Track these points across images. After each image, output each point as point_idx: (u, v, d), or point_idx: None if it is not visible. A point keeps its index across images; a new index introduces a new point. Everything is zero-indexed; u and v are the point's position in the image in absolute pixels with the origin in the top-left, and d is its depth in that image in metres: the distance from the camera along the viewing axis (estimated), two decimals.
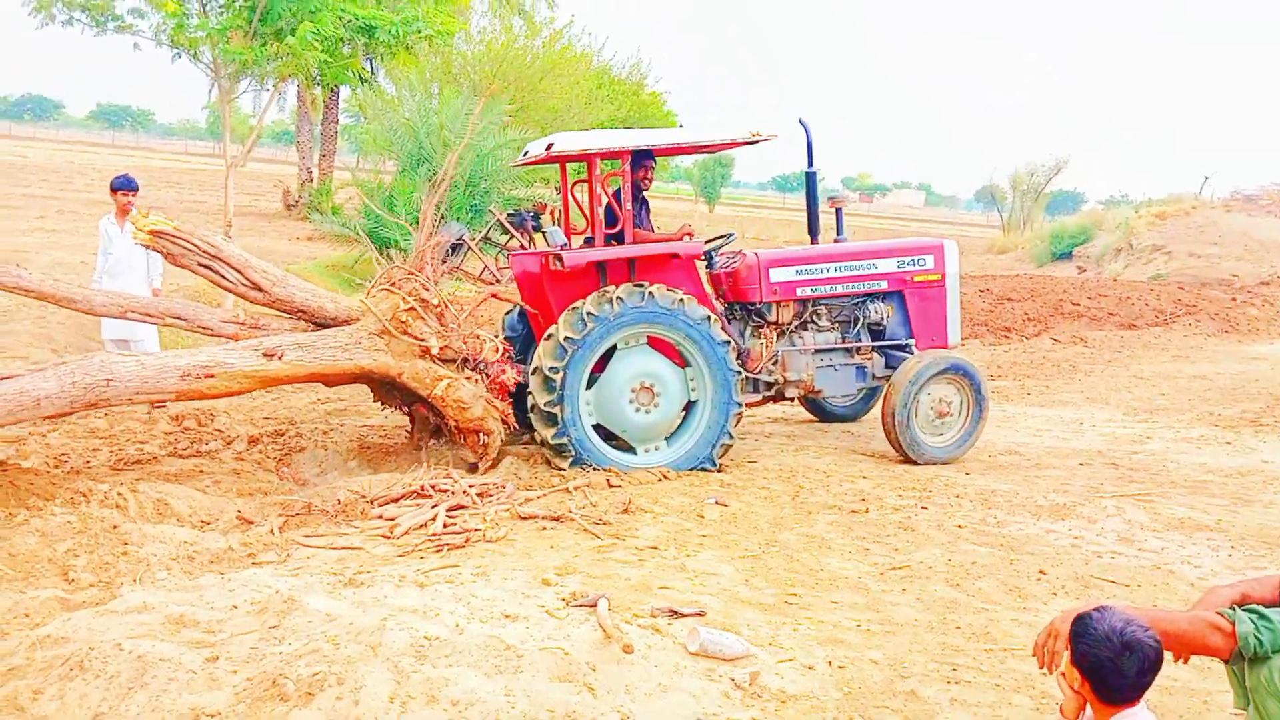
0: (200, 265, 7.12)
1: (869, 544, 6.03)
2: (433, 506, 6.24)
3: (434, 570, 5.15)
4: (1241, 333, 16.71)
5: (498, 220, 21.01)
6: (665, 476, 7.37)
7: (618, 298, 7.37)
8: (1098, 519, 6.74)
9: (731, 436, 7.69)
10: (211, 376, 6.66)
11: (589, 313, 7.35)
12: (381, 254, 17.43)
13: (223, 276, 7.20)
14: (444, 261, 7.99)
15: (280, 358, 6.88)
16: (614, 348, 7.57)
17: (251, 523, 6.17)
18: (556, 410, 7.31)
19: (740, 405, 7.70)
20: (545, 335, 7.48)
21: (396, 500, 6.48)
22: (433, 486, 6.63)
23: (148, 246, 7.06)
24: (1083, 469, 8.19)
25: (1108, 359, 14.50)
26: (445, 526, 5.93)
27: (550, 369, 7.30)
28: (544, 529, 6.04)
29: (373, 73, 23.54)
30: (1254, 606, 2.92)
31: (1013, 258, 33.90)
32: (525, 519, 6.19)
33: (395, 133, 20.22)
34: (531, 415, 7.46)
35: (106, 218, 9.28)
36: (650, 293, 7.43)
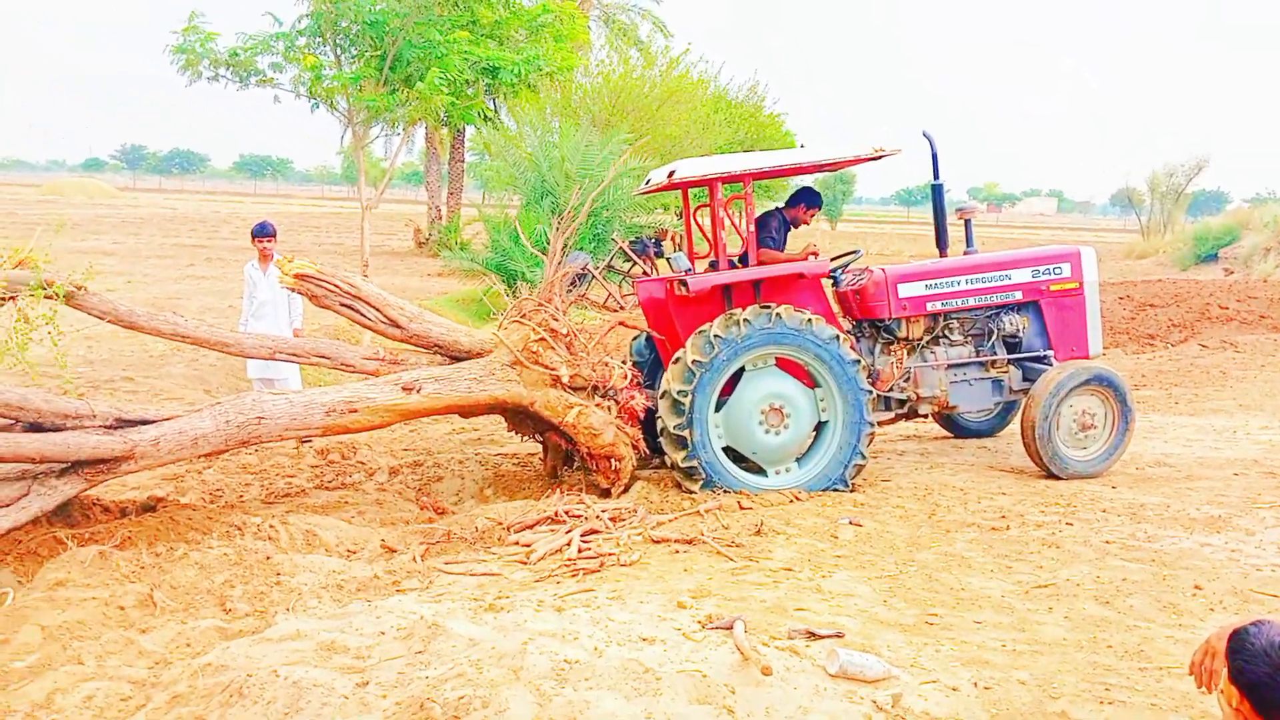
0: (342, 305, 7.41)
1: (1011, 562, 5.87)
2: (567, 532, 6.33)
3: (570, 594, 5.22)
4: None
5: (620, 248, 21.32)
6: (797, 497, 7.31)
7: (745, 320, 7.37)
8: (1256, 531, 6.42)
9: (864, 457, 7.59)
10: (355, 411, 6.91)
11: (716, 335, 7.36)
12: (509, 286, 17.87)
13: (363, 315, 7.47)
14: (570, 290, 8.12)
15: (418, 391, 7.09)
16: (742, 370, 7.56)
17: (395, 551, 6.36)
18: (686, 433, 7.33)
19: (873, 425, 7.59)
20: (673, 359, 7.52)
21: (532, 526, 6.60)
22: (566, 512, 6.73)
23: (293, 289, 7.38)
24: (1238, 479, 7.82)
25: (1261, 364, 13.81)
26: (580, 551, 6.01)
27: (679, 392, 7.33)
28: (677, 552, 6.07)
29: (495, 110, 24.14)
30: None
31: (1153, 262, 32.66)
32: (658, 542, 6.22)
33: (519, 168, 20.70)
34: (661, 439, 7.50)
35: (250, 263, 9.74)
36: (778, 314, 7.40)
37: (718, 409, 7.53)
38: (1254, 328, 16.63)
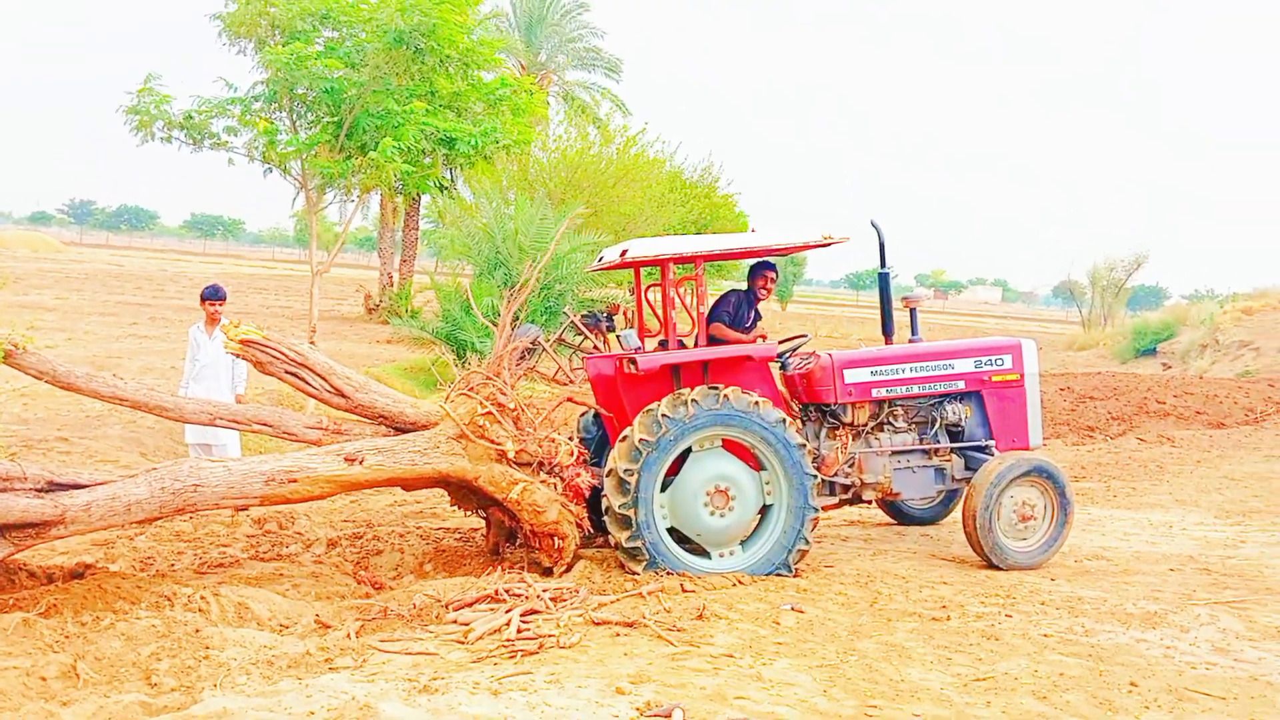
0: (287, 372, 7.33)
1: (951, 653, 5.87)
2: (507, 611, 6.23)
3: (507, 677, 5.13)
4: None
5: (572, 321, 21.33)
6: (740, 581, 7.28)
7: (693, 400, 7.39)
8: (1191, 628, 6.49)
9: (808, 542, 7.58)
10: (295, 481, 6.80)
11: (664, 415, 7.37)
12: (458, 356, 17.80)
13: (308, 383, 7.39)
14: (520, 363, 8.11)
15: (361, 463, 7.00)
16: (688, 450, 7.56)
17: (329, 627, 6.23)
18: (630, 513, 7.29)
19: (817, 510, 7.60)
20: (620, 437, 7.51)
21: (471, 605, 6.49)
22: (507, 591, 6.63)
23: (238, 355, 7.30)
24: (1174, 575, 7.92)
25: (1196, 459, 14.09)
26: (519, 632, 5.91)
27: (625, 471, 7.31)
28: (617, 635, 6.00)
29: (452, 180, 24.28)
30: None
31: (1094, 354, 33.39)
32: (599, 624, 6.15)
33: (473, 238, 20.76)
34: (605, 518, 7.45)
35: (196, 326, 9.63)
36: (725, 395, 7.44)
37: (663, 489, 7.51)
38: (1190, 423, 17.00)
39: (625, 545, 7.33)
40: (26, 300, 26.86)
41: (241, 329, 7.25)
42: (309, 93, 12.72)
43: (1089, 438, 16.45)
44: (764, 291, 8.72)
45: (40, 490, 6.16)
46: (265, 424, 7.37)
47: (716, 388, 7.49)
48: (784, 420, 7.51)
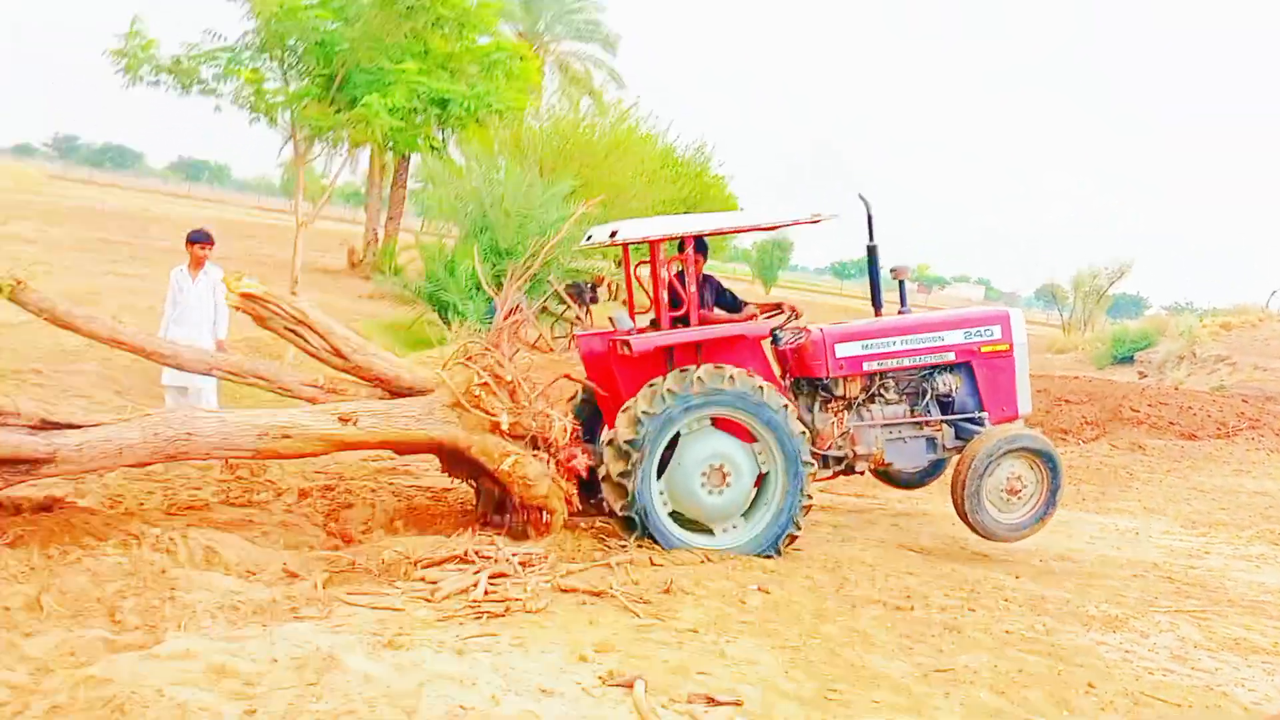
0: (287, 329, 7.30)
1: (913, 643, 5.92)
2: (475, 573, 6.24)
3: (473, 638, 5.15)
4: None
5: (555, 290, 21.26)
6: (708, 558, 7.30)
7: (698, 378, 7.38)
8: (1150, 634, 6.56)
9: (798, 528, 7.60)
10: (288, 437, 6.78)
11: (669, 390, 7.35)
12: (441, 316, 17.71)
13: (307, 341, 7.36)
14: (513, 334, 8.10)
15: (355, 423, 6.98)
16: (677, 435, 7.54)
17: (297, 576, 6.22)
18: (628, 482, 7.29)
19: (810, 498, 7.62)
20: (623, 408, 7.49)
21: (440, 564, 6.49)
22: (476, 552, 6.63)
23: (238, 309, 7.26)
24: (1137, 580, 8.01)
25: (1167, 469, 14.22)
26: (486, 594, 5.92)
27: (626, 441, 7.29)
28: (584, 603, 6.01)
29: (444, 142, 24.10)
30: None
31: (1072, 358, 33.59)
32: (566, 592, 6.16)
33: (460, 200, 20.64)
34: (603, 485, 7.45)
35: (178, 268, 9.52)
36: (731, 376, 7.43)
37: (659, 475, 7.50)
38: (1163, 433, 17.12)
39: (620, 514, 7.34)
40: (6, 230, 26.54)
41: (244, 283, 7.20)
42: (300, 44, 12.56)
43: (1062, 441, 16.54)
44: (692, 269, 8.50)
45: (33, 427, 6.12)
46: (262, 377, 7.35)
47: (723, 368, 7.46)
48: (786, 406, 7.52)
